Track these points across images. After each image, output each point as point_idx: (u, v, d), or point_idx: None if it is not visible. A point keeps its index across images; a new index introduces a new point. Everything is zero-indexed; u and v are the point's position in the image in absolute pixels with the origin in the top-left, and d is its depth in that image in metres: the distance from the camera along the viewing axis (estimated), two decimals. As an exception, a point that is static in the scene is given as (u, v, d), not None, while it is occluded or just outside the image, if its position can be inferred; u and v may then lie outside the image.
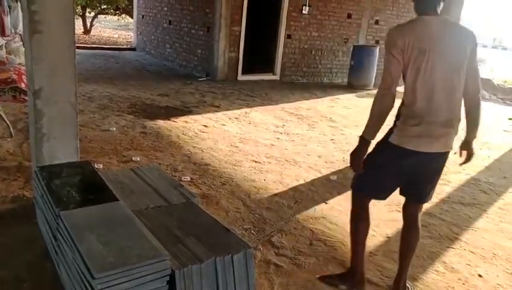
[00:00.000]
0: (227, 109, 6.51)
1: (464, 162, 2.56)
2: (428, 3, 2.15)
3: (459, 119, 2.25)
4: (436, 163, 2.32)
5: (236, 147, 4.80)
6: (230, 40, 8.75)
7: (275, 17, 9.42)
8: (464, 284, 2.64)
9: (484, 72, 20.59)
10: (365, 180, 2.44)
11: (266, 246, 2.84)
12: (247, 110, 6.62)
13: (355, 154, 2.37)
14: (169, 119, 5.58)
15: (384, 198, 2.51)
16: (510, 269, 2.85)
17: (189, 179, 3.75)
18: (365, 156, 2.35)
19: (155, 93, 7.06)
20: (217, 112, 6.30)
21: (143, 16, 12.05)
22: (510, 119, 7.96)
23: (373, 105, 2.25)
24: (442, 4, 2.16)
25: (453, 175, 4.58)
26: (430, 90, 2.11)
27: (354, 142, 5.57)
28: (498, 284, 2.67)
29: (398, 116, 2.28)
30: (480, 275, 2.75)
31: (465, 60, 2.13)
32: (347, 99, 8.56)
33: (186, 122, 5.57)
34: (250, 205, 3.41)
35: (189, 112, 6.09)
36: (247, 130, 5.50)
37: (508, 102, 10.31)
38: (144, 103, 6.38)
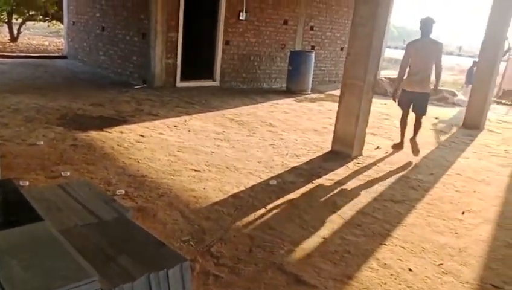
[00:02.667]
0: (166, 117, 6.38)
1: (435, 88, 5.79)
2: (424, 33, 5.38)
3: (429, 80, 5.48)
4: (420, 96, 5.47)
5: (175, 156, 4.71)
6: (167, 46, 8.60)
7: (212, 24, 9.42)
8: (395, 279, 2.77)
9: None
10: (399, 103, 5.66)
11: (205, 257, 2.80)
12: (187, 117, 6.53)
13: (394, 95, 5.68)
14: (103, 130, 5.36)
15: (408, 108, 5.65)
16: (437, 261, 3.03)
17: (123, 192, 3.62)
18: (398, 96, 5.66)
19: (87, 103, 6.75)
20: (155, 120, 6.16)
21: (74, 22, 11.53)
22: (436, 118, 8.53)
23: (398, 74, 5.69)
24: (431, 33, 5.40)
25: (385, 173, 4.82)
26: (417, 68, 5.38)
27: (293, 146, 5.74)
28: (426, 277, 2.83)
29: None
30: (410, 269, 2.89)
31: (434, 56, 5.31)
32: (286, 104, 8.72)
33: (121, 132, 5.38)
34: (189, 215, 3.36)
35: (124, 122, 5.89)
36: (187, 138, 5.43)
37: (435, 102, 11.04)
38: (76, 114, 6.08)
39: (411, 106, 5.56)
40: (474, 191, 4.56)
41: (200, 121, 6.39)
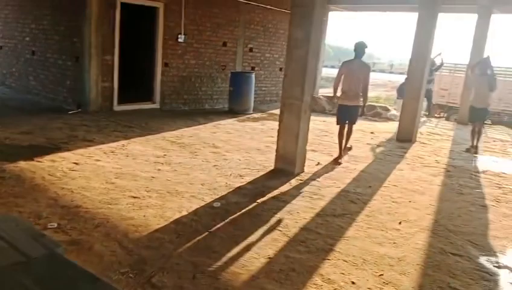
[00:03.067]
0: (102, 143, 6.12)
1: (362, 112, 6.53)
2: (357, 55, 6.22)
3: (359, 95, 6.30)
4: (353, 108, 6.32)
5: (112, 183, 4.51)
6: (103, 69, 8.34)
7: (150, 46, 9.29)
8: (339, 293, 2.81)
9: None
10: (338, 118, 6.43)
11: (146, 288, 2.67)
12: (125, 142, 6.31)
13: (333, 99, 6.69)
14: (33, 160, 5.01)
15: (345, 122, 6.38)
16: (378, 272, 3.12)
17: (56, 225, 3.39)
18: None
19: (16, 131, 6.31)
20: (90, 146, 5.89)
21: (1, 46, 10.87)
22: (372, 133, 8.93)
23: (333, 86, 6.47)
24: (363, 55, 6.29)
25: (326, 189, 4.93)
26: (349, 85, 6.20)
27: (237, 166, 5.72)
28: (368, 288, 2.89)
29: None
30: (353, 282, 2.95)
31: (363, 76, 6.20)
32: (229, 124, 8.74)
33: (54, 161, 5.07)
34: (127, 245, 3.20)
35: (57, 150, 5.56)
36: (125, 164, 5.23)
37: (370, 117, 11.58)
38: (2, 143, 5.66)
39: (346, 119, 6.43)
40: (410, 201, 4.78)
41: (139, 145, 6.21)
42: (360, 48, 6.20)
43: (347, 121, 6.37)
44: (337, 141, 6.42)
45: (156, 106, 9.55)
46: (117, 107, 8.74)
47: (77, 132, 6.64)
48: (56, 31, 8.89)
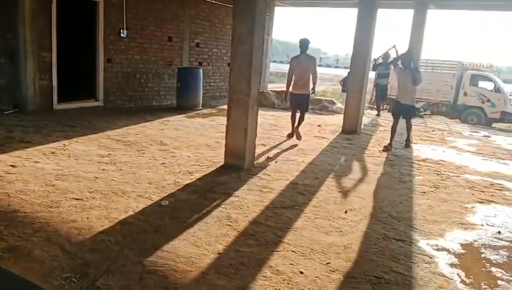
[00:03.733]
0: (41, 144, 5.80)
1: (313, 89, 7.55)
2: (302, 50, 7.20)
3: (308, 85, 7.28)
4: (303, 97, 7.33)
5: (53, 185, 4.29)
6: (40, 67, 7.90)
7: (91, 41, 8.92)
8: (288, 283, 2.85)
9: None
10: (290, 104, 7.61)
11: (90, 292, 2.57)
12: (66, 142, 6.02)
13: (286, 97, 7.75)
14: (-36, 164, 4.68)
15: (296, 108, 7.46)
16: (325, 260, 3.20)
17: (-10, 232, 3.18)
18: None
19: None
20: (28, 148, 5.56)
21: None
22: (319, 126, 9.15)
23: (286, 82, 7.49)
24: (307, 50, 7.23)
25: (275, 182, 4.99)
26: (299, 76, 7.20)
27: (186, 163, 5.62)
28: (316, 277, 2.96)
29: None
30: (301, 272, 3.00)
31: (310, 67, 7.18)
32: (177, 120, 8.60)
33: (-13, 164, 4.76)
34: (70, 249, 3.06)
35: (-9, 152, 5.22)
36: (66, 165, 4.99)
37: (317, 111, 11.86)
38: None
39: (298, 106, 7.43)
40: (355, 191, 4.95)
41: (82, 145, 5.95)
42: (304, 44, 7.19)
43: (298, 109, 7.42)
44: (290, 121, 7.65)
45: (100, 103, 9.20)
46: (57, 106, 8.32)
47: (14, 133, 6.25)
48: (-14, 26, 8.29)
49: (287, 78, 7.41)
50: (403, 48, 8.79)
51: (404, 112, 7.51)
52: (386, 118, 11.70)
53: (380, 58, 11.47)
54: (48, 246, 3.07)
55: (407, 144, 7.73)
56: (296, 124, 7.41)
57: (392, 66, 8.88)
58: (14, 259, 2.86)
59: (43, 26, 7.85)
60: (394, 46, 9.46)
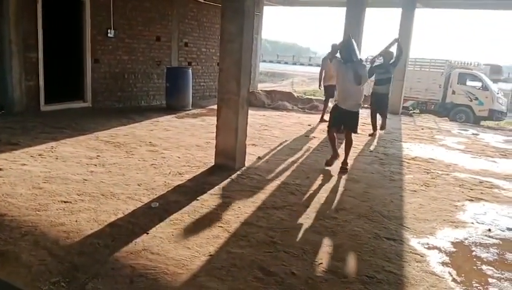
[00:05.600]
0: (29, 146, 5.70)
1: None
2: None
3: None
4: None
5: (41, 188, 4.21)
6: (26, 67, 7.78)
7: (78, 42, 8.81)
8: (280, 285, 2.83)
9: (286, 86, 23.41)
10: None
11: (79, 297, 2.52)
12: (54, 144, 5.93)
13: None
14: None
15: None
16: (317, 261, 3.19)
17: (-25, 237, 3.11)
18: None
19: None
20: (15, 150, 5.45)
21: None
22: (309, 125, 9.15)
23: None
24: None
25: (266, 183, 4.97)
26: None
27: (176, 164, 5.55)
28: (309, 277, 2.95)
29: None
30: (293, 273, 2.98)
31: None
32: (167, 121, 8.53)
33: (-28, 167, 4.65)
34: (58, 253, 3.00)
35: (-24, 155, 5.11)
36: (54, 167, 4.91)
37: (307, 110, 11.88)
38: None
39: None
40: (345, 190, 4.96)
41: (70, 147, 5.86)
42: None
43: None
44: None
45: (88, 104, 9.09)
46: (44, 107, 8.20)
47: (0, 135, 6.13)
48: (-30, 26, 8.14)
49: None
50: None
51: (345, 121, 5.62)
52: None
53: (377, 59, 8.44)
54: (35, 250, 3.02)
55: (344, 167, 5.64)
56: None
57: (389, 67, 8.35)
58: (1, 264, 2.80)
59: (29, 26, 7.73)
60: (396, 40, 8.20)
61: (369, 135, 8.46)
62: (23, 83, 7.80)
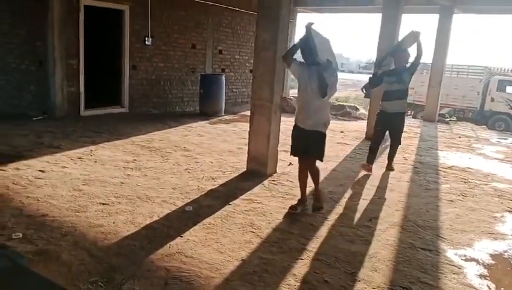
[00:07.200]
0: (69, 149, 5.95)
1: None
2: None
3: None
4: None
5: (80, 190, 4.38)
6: (68, 74, 8.12)
7: (117, 49, 9.12)
8: (313, 292, 2.82)
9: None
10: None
11: (116, 296, 2.60)
12: (93, 147, 6.16)
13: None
14: (-4, 169, 4.83)
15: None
16: (350, 269, 3.16)
17: (21, 235, 3.26)
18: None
19: (-24, 140, 6.06)
20: (57, 153, 5.71)
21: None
22: (342, 132, 9.07)
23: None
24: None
25: (298, 189, 4.94)
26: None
27: (209, 169, 5.59)
28: (341, 286, 2.92)
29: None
30: (326, 281, 2.97)
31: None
32: (200, 126, 8.67)
33: (18, 169, 4.89)
34: (97, 254, 3.12)
35: (21, 157, 5.35)
36: (93, 170, 5.10)
37: (340, 117, 11.77)
38: (-38, 152, 5.42)
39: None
40: (379, 198, 4.88)
41: (108, 151, 6.07)
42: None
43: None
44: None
45: (125, 110, 9.37)
46: (84, 112, 8.52)
47: (43, 139, 6.43)
48: (16, 34, 8.57)
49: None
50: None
51: (307, 145, 4.19)
52: (411, 124, 11.48)
53: (384, 64, 6.47)
54: (75, 250, 3.14)
55: (318, 205, 4.38)
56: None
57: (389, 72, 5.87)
58: (43, 262, 2.93)
59: (71, 34, 8.08)
60: (415, 36, 5.55)
61: (363, 168, 5.91)
62: (65, 89, 8.14)
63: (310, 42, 3.94)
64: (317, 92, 3.97)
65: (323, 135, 4.23)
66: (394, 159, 6.21)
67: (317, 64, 3.95)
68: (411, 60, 5.70)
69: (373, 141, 6.06)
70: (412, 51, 5.61)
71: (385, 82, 5.73)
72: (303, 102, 4.16)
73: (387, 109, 5.76)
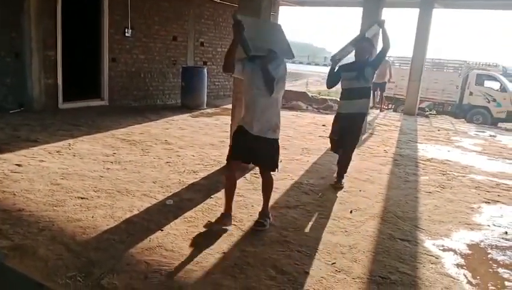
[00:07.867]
0: (47, 142, 5.82)
1: None
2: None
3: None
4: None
5: (58, 184, 4.30)
6: (46, 65, 7.93)
7: (96, 40, 8.94)
8: (293, 283, 2.83)
9: (300, 86, 23.28)
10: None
11: (95, 291, 2.57)
12: (71, 141, 6.03)
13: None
14: (-30, 163, 4.69)
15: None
16: (330, 260, 3.18)
17: (-5, 231, 3.18)
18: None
19: (-50, 133, 5.88)
20: (34, 146, 5.57)
21: None
22: (324, 125, 9.11)
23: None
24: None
25: (280, 181, 4.97)
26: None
27: (191, 163, 5.56)
28: (322, 277, 2.94)
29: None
30: (306, 272, 2.99)
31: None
32: (182, 119, 8.60)
33: (-7, 163, 4.77)
34: (75, 248, 3.06)
35: (-3, 151, 5.24)
36: (71, 164, 5.00)
37: (322, 110, 11.83)
38: None
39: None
40: (360, 191, 4.93)
41: (86, 144, 5.96)
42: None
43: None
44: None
45: (105, 102, 9.22)
46: (62, 105, 8.35)
47: (20, 132, 6.27)
48: (-8, 25, 8.33)
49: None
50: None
51: (255, 153, 3.61)
52: (391, 118, 11.64)
53: (338, 58, 4.92)
54: (52, 245, 3.08)
55: (261, 222, 3.67)
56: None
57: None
58: (19, 257, 2.87)
59: (48, 24, 7.87)
60: (379, 24, 4.87)
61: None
62: (42, 81, 7.95)
63: (238, 36, 3.43)
64: (263, 88, 3.41)
65: (275, 142, 3.61)
66: (347, 171, 5.10)
67: (259, 57, 3.43)
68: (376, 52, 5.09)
69: (333, 150, 5.32)
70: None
71: (343, 79, 4.79)
72: (247, 101, 3.58)
73: (347, 109, 4.84)
